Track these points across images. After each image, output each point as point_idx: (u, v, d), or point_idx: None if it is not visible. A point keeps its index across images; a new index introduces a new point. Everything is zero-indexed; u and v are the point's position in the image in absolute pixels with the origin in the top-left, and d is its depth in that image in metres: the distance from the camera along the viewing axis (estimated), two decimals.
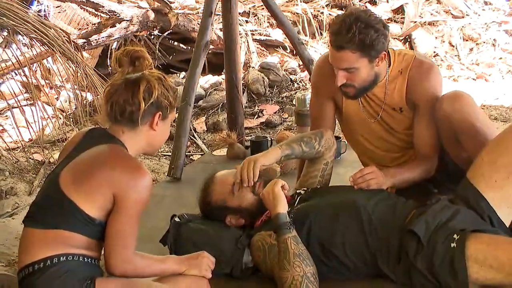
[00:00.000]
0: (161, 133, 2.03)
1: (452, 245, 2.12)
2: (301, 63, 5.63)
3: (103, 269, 1.94)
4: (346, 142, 3.46)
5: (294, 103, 5.35)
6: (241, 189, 2.50)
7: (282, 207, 2.32)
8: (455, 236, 2.14)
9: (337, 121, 2.94)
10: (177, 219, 2.56)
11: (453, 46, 6.72)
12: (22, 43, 4.14)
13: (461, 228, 2.18)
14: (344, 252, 2.29)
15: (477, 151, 2.38)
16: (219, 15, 4.81)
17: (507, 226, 2.27)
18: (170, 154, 4.08)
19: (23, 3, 4.50)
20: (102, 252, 1.92)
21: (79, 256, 1.87)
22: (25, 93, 5.12)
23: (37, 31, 3.53)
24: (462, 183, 2.37)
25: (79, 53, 3.73)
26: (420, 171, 2.66)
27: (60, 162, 2.00)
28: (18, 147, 4.44)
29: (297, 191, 2.62)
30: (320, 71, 2.76)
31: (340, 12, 6.77)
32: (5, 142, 4.34)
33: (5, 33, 3.76)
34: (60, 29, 3.99)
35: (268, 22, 6.73)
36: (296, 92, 5.59)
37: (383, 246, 2.26)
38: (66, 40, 3.68)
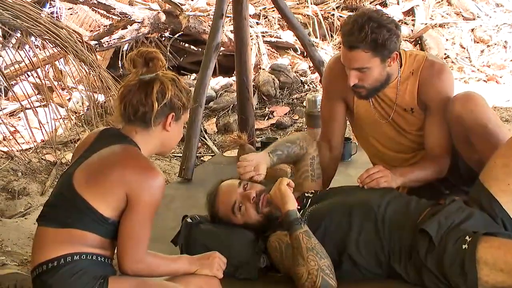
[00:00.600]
0: (174, 134, 2.04)
1: (464, 246, 2.13)
2: (311, 64, 5.63)
3: (116, 268, 1.96)
4: (357, 144, 3.46)
5: (304, 105, 5.35)
6: (244, 209, 2.48)
7: (291, 204, 2.33)
8: (467, 238, 2.14)
9: (348, 123, 2.94)
10: (189, 220, 2.57)
11: (464, 48, 6.71)
12: (35, 45, 4.17)
13: (474, 230, 2.18)
14: (358, 252, 2.29)
15: (489, 152, 2.37)
16: (230, 17, 4.83)
17: None
18: (181, 155, 4.09)
19: (36, 4, 4.54)
20: (115, 251, 1.94)
21: (92, 255, 1.88)
22: (37, 94, 5.16)
23: (50, 32, 3.55)
24: (475, 185, 2.36)
25: (92, 54, 3.75)
26: (431, 172, 2.64)
27: (73, 162, 2.02)
28: (30, 148, 4.47)
29: (306, 194, 2.62)
30: (331, 72, 2.77)
31: (350, 14, 6.77)
32: (18, 143, 4.37)
33: (19, 34, 3.79)
34: (73, 30, 4.02)
35: (279, 24, 6.74)
36: (306, 94, 5.60)
37: (396, 244, 2.27)
38: (79, 41, 3.70)
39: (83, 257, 1.87)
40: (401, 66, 2.61)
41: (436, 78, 2.58)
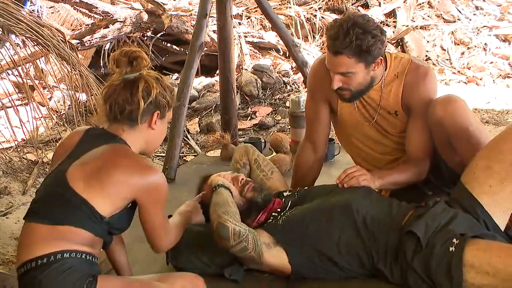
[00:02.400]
0: (160, 132, 2.07)
1: (451, 249, 2.13)
2: (294, 65, 5.66)
3: (101, 267, 1.95)
4: (340, 144, 3.48)
5: (287, 105, 5.38)
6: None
7: (217, 180, 2.49)
8: (454, 240, 2.15)
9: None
10: None
11: (444, 50, 6.78)
12: (15, 43, 4.13)
13: (461, 232, 2.19)
14: (339, 253, 2.29)
15: (469, 154, 2.39)
16: (212, 17, 4.83)
17: (502, 230, 2.29)
18: (164, 155, 4.09)
19: (16, 2, 4.50)
20: (102, 250, 1.94)
21: (81, 253, 1.87)
22: (18, 92, 5.11)
23: (32, 30, 3.52)
24: (457, 187, 2.38)
25: (74, 53, 3.72)
26: (410, 174, 2.64)
27: (64, 159, 1.98)
28: (11, 147, 4.44)
29: (284, 194, 2.63)
30: (315, 74, 2.77)
31: (333, 15, 6.81)
32: None
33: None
34: (56, 29, 3.99)
35: (261, 25, 6.76)
36: (289, 94, 5.63)
37: (380, 246, 2.27)
38: (61, 40, 3.67)
39: (73, 255, 1.86)
40: (386, 69, 2.62)
41: (421, 82, 2.59)
